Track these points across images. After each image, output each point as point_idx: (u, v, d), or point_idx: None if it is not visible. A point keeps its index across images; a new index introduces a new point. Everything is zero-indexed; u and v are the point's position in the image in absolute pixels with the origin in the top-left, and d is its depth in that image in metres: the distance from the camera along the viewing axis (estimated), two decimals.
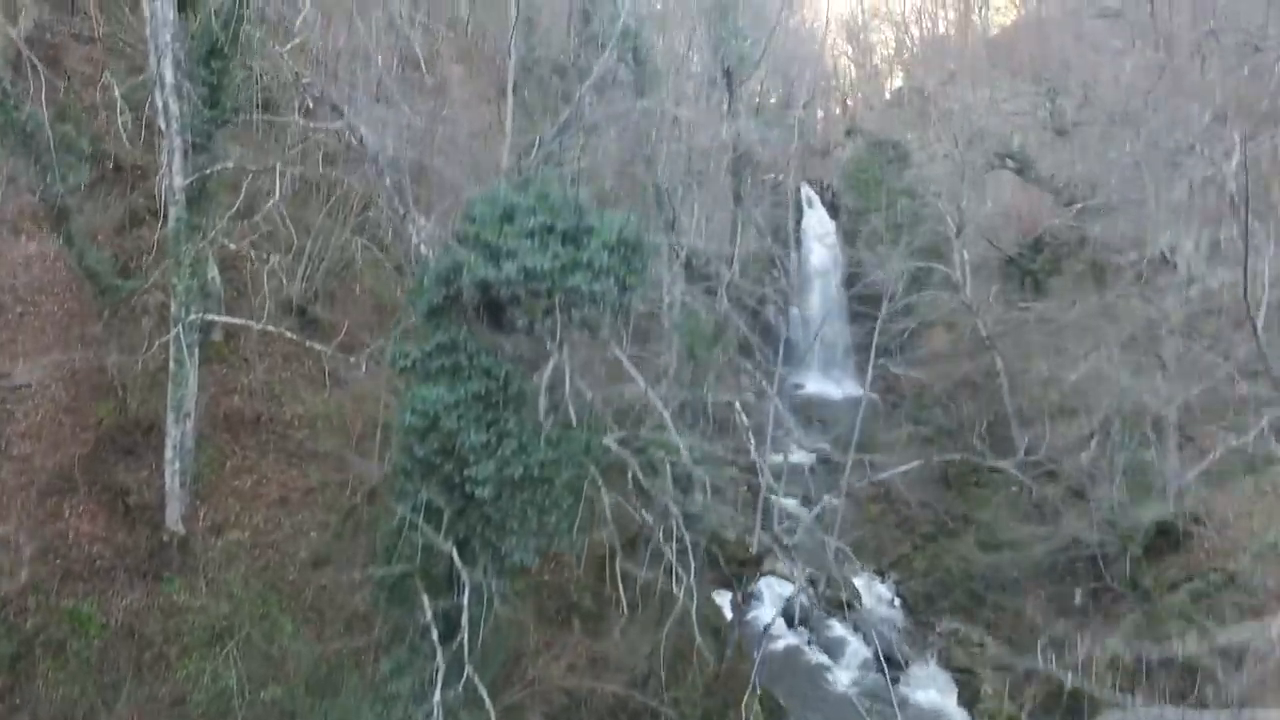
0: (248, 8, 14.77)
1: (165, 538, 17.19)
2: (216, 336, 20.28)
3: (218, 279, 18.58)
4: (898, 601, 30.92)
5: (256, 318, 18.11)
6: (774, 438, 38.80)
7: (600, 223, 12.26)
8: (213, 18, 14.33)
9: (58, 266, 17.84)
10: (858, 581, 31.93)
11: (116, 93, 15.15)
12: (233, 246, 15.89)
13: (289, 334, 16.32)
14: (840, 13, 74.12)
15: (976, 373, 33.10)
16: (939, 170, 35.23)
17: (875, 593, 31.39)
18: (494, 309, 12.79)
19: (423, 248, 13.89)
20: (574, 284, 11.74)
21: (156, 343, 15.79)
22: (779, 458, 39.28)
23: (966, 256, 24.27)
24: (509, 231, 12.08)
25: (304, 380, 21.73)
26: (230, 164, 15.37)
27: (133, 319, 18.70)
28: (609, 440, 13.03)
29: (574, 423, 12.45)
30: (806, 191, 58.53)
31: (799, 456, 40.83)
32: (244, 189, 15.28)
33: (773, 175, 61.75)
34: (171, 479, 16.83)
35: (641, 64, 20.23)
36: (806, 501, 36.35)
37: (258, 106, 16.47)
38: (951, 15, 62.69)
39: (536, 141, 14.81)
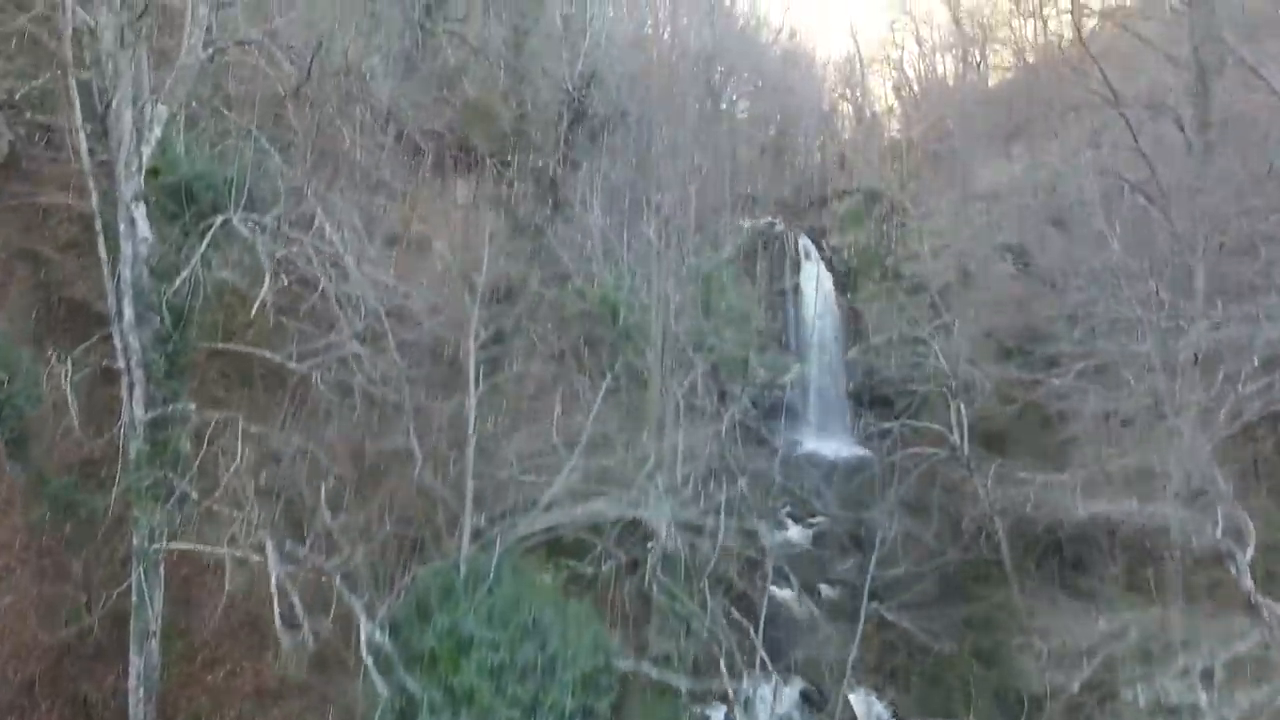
0: (211, 262, 14.11)
1: None
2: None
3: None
4: None
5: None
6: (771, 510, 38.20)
7: (565, 649, 11.59)
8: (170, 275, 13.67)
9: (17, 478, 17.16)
10: (853, 699, 31.18)
11: (69, 378, 14.29)
12: (194, 495, 15.22)
13: (256, 557, 15.57)
14: (838, 55, 73.65)
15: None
16: (934, 266, 34.60)
17: (874, 714, 30.69)
18: None
19: (376, 636, 13.19)
20: None
21: (115, 592, 15.10)
22: (777, 535, 38.75)
23: (964, 411, 23.56)
24: (466, 667, 11.47)
25: None
26: (192, 407, 14.72)
27: (96, 524, 17.95)
28: None
29: None
30: (804, 242, 57.69)
31: (795, 532, 40.21)
32: (207, 436, 14.68)
33: (770, 220, 61.39)
34: (135, 707, 16.17)
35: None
36: (805, 592, 35.77)
37: (219, 340, 15.78)
38: (950, 63, 61.92)
39: (497, 538, 14.15)
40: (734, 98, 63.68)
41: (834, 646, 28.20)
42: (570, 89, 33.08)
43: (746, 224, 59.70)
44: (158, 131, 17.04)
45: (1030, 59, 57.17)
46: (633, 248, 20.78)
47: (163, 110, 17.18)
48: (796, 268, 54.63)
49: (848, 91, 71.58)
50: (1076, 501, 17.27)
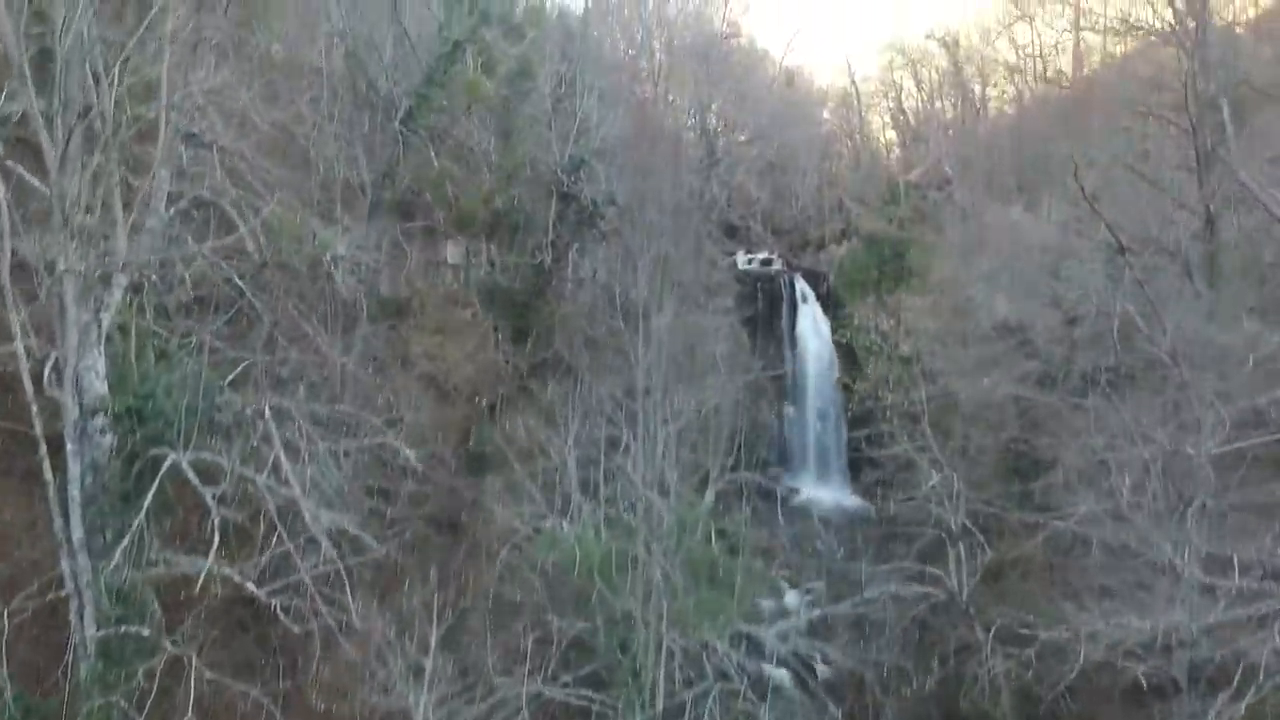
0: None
1: None
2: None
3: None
4: None
5: None
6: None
7: None
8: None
9: None
10: None
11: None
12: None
13: None
14: (836, 87, 72.65)
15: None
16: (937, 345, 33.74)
17: None
18: None
19: None
20: None
21: None
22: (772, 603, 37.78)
23: (963, 555, 22.80)
24: None
25: None
26: (145, 632, 13.90)
27: None
28: None
29: None
30: (801, 285, 56.87)
31: (792, 598, 39.30)
32: (159, 673, 13.84)
33: (767, 256, 60.51)
34: None
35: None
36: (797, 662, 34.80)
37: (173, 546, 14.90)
38: (948, 105, 61.09)
39: None
40: (732, 143, 62.95)
41: None
42: (559, 172, 32.32)
43: (742, 258, 59.03)
44: (117, 294, 16.26)
45: (1029, 101, 56.48)
46: (610, 476, 19.97)
47: (122, 278, 16.41)
48: (794, 310, 53.95)
49: (845, 125, 70.78)
50: None
